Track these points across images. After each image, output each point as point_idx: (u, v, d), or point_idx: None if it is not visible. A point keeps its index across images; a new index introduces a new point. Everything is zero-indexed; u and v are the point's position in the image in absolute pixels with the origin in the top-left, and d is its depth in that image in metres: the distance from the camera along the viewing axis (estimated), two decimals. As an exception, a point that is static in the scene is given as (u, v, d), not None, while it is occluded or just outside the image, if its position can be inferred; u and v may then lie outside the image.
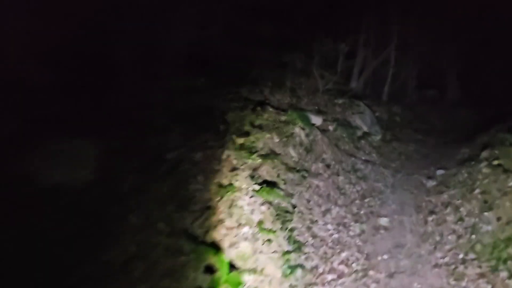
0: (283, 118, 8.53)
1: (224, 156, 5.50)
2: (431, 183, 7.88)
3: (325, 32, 11.86)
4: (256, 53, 10.38)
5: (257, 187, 5.31)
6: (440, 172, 8.41)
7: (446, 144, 11.61)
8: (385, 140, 10.93)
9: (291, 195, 6.55)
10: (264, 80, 9.94)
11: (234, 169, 5.38)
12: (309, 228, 6.08)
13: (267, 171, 6.56)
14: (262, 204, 5.04)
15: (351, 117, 10.70)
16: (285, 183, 6.51)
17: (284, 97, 10.45)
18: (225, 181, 4.99)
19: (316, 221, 6.40)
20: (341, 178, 8.07)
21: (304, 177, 7.18)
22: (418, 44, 15.20)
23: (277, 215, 5.20)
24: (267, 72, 10.40)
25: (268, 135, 7.60)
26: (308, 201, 6.79)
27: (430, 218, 6.50)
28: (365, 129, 10.65)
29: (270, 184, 5.84)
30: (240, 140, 6.21)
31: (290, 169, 7.14)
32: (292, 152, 7.91)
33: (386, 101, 13.65)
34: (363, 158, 9.50)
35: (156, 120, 5.99)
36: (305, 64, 12.30)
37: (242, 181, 5.23)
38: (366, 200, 7.50)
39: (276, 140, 7.77)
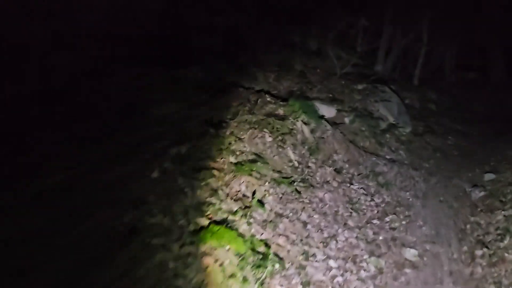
0: (281, 110, 6.54)
1: (155, 175, 3.60)
2: (477, 194, 5.70)
3: (342, 4, 9.67)
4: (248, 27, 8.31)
5: (204, 221, 3.36)
6: (489, 176, 6.21)
7: (494, 136, 9.26)
8: (417, 133, 8.70)
9: (279, 217, 4.61)
10: (259, 62, 7.92)
11: (161, 195, 3.45)
12: (300, 269, 4.13)
13: (247, 185, 4.64)
14: (205, 254, 3.11)
15: (374, 106, 8.53)
16: (265, 203, 4.56)
17: (291, 84, 8.45)
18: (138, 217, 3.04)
19: (314, 255, 4.43)
20: (355, 186, 6.02)
21: (301, 190, 5.19)
22: (455, 18, 12.68)
23: (239, 265, 3.26)
24: (266, 52, 8.35)
25: (255, 134, 5.66)
26: (305, 224, 4.82)
27: (479, 253, 4.38)
28: (391, 120, 8.47)
29: (233, 214, 3.88)
30: (194, 144, 4.24)
31: (283, 179, 5.17)
32: (291, 155, 5.94)
33: (418, 85, 11.29)
34: (387, 157, 7.38)
35: (41, 122, 3.93)
36: (319, 43, 10.19)
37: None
38: (387, 219, 5.43)
39: (269, 139, 5.82)
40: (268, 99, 7.05)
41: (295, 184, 5.19)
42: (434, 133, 8.98)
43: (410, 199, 6.03)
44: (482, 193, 5.65)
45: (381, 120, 8.22)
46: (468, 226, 4.95)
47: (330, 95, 8.39)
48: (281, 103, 6.83)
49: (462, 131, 9.64)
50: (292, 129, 6.26)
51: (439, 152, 8.15)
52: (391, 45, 11.33)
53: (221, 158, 4.71)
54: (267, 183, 4.95)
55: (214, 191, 4.02)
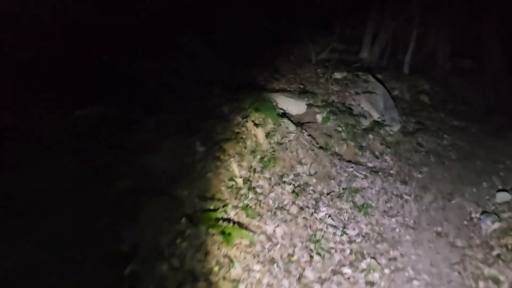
0: (225, 108, 4.67)
1: None
2: (489, 226, 3.88)
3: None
4: None
5: None
6: (503, 197, 4.38)
7: (495, 132, 7.43)
8: (406, 132, 6.86)
9: (189, 280, 2.77)
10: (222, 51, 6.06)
11: None
12: None
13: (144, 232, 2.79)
14: None
15: (354, 99, 6.66)
16: (172, 256, 2.72)
17: (256, 73, 6.59)
18: None
19: None
20: (321, 214, 4.18)
21: (233, 230, 3.34)
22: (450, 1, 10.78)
23: None
24: (233, 40, 6.50)
25: (179, 142, 3.81)
26: (235, 285, 2.99)
27: None
28: (375, 116, 6.62)
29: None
30: None
31: (208, 213, 3.32)
32: (235, 169, 4.09)
33: (408, 74, 9.38)
34: (369, 165, 5.55)
35: None
36: (297, 28, 8.26)
37: None
38: (363, 265, 3.60)
39: (200, 148, 3.96)
40: (218, 92, 5.20)
41: (224, 219, 3.34)
42: (427, 131, 7.13)
43: (397, 230, 4.20)
44: (497, 225, 3.82)
45: (362, 117, 6.35)
46: (481, 284, 3.13)
47: (301, 86, 6.51)
48: (230, 98, 4.97)
49: (459, 127, 7.80)
50: (238, 132, 4.41)
51: (433, 155, 6.32)
52: (379, 28, 9.40)
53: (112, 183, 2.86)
54: (183, 220, 3.12)
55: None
